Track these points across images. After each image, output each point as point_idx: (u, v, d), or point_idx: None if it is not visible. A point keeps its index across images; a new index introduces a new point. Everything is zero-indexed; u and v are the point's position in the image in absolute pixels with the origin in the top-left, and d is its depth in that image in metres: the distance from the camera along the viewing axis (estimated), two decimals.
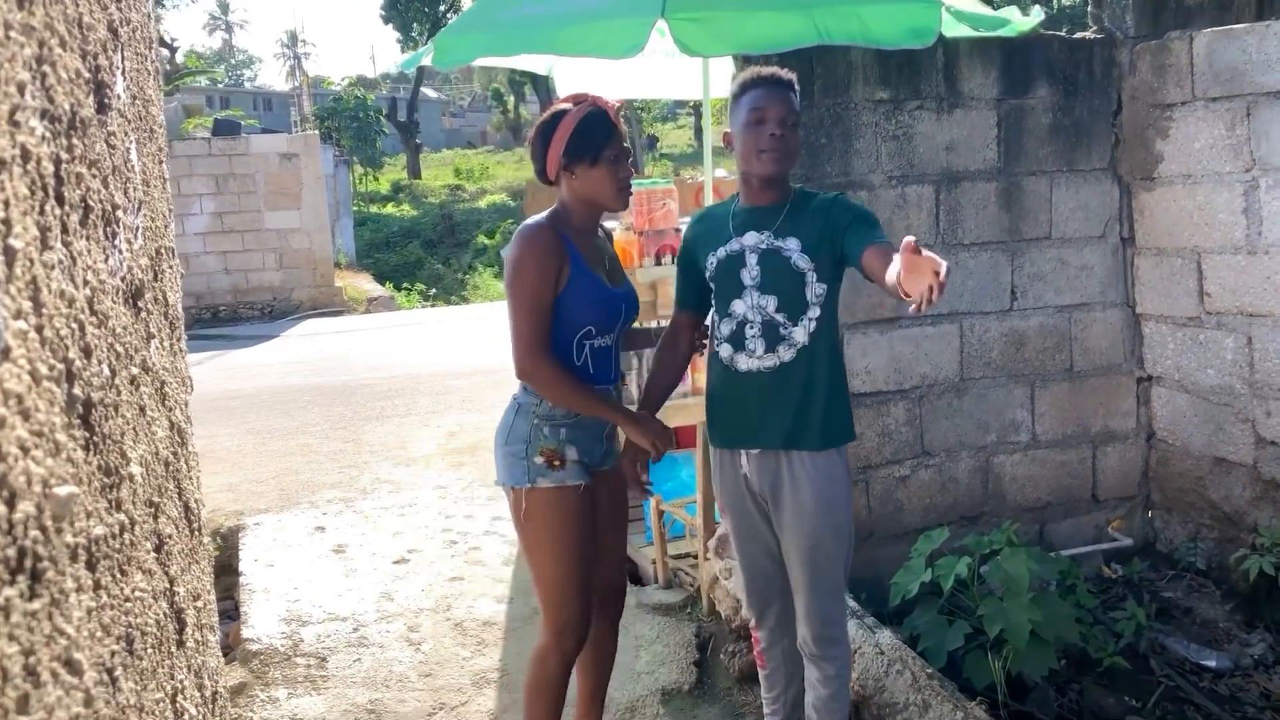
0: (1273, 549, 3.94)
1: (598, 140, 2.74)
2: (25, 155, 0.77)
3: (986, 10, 4.33)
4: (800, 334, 2.70)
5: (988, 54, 4.24)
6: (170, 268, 1.61)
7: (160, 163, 1.65)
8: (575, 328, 2.76)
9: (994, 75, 4.25)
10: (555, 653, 2.85)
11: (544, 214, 2.83)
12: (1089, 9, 4.69)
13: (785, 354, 2.71)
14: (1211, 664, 3.83)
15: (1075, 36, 4.47)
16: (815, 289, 2.70)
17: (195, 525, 1.59)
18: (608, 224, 4.72)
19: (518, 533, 2.86)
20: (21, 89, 0.76)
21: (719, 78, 4.94)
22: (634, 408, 3.00)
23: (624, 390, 3.06)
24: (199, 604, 1.50)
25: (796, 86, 2.75)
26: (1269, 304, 3.97)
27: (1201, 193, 4.18)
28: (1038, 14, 4.60)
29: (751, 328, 2.74)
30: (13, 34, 0.75)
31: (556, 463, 2.76)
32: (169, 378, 1.46)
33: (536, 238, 2.71)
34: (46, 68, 0.77)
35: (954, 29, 4.15)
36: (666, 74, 5.67)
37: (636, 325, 3.16)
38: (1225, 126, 4.05)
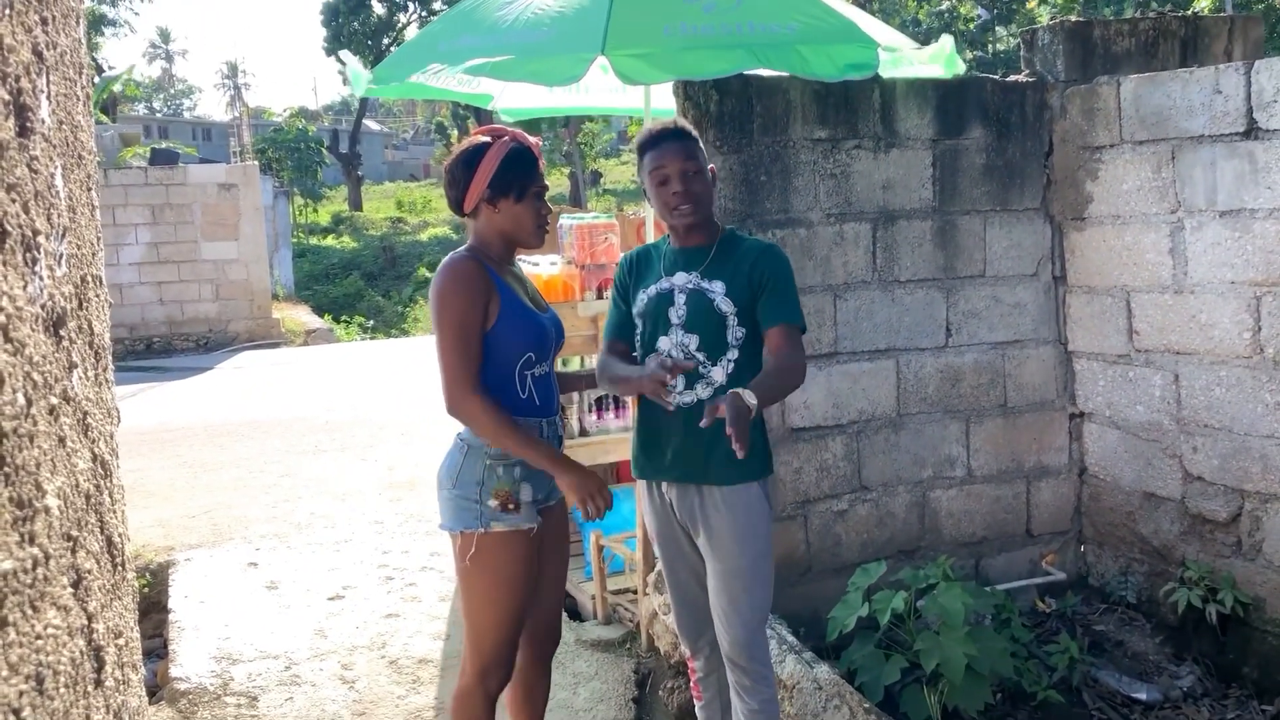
0: (1200, 582, 4.02)
1: (524, 175, 2.74)
2: None
3: (915, 45, 4.44)
4: (719, 374, 2.78)
5: (923, 95, 4.33)
6: (97, 296, 1.58)
7: (89, 189, 1.61)
8: (515, 358, 2.73)
9: (930, 116, 4.33)
10: (479, 693, 2.81)
11: (463, 248, 2.80)
12: (1021, 53, 4.80)
13: (703, 392, 2.78)
14: (1142, 696, 3.88)
15: (1008, 79, 4.57)
16: (736, 331, 2.78)
17: (119, 560, 1.54)
18: (546, 259, 4.73)
19: (459, 575, 2.79)
20: None
21: (660, 100, 4.98)
22: (573, 442, 2.98)
23: (565, 423, 3.04)
24: (120, 641, 1.45)
25: (694, 133, 2.84)
26: (1194, 342, 4.07)
27: (1130, 233, 4.28)
28: (949, 39, 4.67)
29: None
30: None
31: (511, 505, 2.70)
32: (93, 408, 1.42)
33: (461, 269, 2.68)
34: None
35: (891, 70, 4.24)
36: (609, 94, 5.70)
37: (573, 369, 3.15)
38: (1152, 169, 4.16)
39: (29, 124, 1.02)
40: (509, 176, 2.72)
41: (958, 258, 4.42)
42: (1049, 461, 4.64)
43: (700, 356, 2.77)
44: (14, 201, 0.92)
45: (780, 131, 4.12)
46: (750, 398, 2.49)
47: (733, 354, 2.77)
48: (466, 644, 2.83)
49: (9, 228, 0.89)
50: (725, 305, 2.77)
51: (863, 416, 4.34)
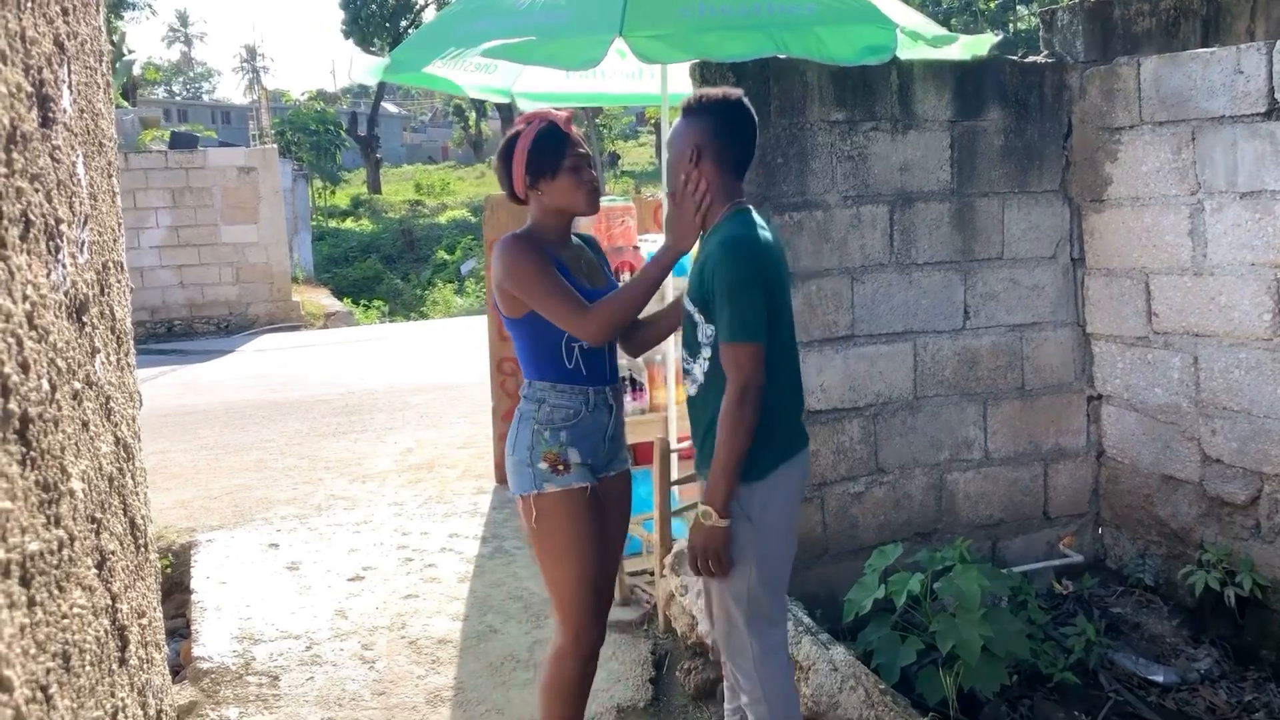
0: (1218, 565, 4.01)
1: (553, 153, 2.82)
2: None
3: (940, 30, 4.41)
4: (698, 371, 2.71)
5: (941, 77, 4.31)
6: (119, 282, 1.60)
7: (110, 177, 1.64)
8: (561, 333, 2.79)
9: (948, 97, 4.31)
10: (573, 654, 2.88)
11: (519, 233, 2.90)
12: (1040, 34, 4.77)
13: (691, 388, 2.77)
14: (1159, 679, 3.88)
15: (1027, 60, 4.55)
16: (704, 330, 2.63)
17: (141, 541, 1.57)
18: None
19: (532, 541, 2.90)
20: None
21: (678, 85, 4.98)
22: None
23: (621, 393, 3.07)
24: (144, 621, 1.48)
25: (689, 103, 2.72)
26: (1214, 324, 4.05)
27: (1149, 215, 4.26)
28: (991, 38, 4.69)
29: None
30: None
31: (560, 467, 2.80)
32: (115, 393, 1.45)
33: (512, 242, 2.79)
34: None
35: (909, 51, 4.22)
36: (627, 80, 5.70)
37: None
38: (1171, 150, 4.13)
39: (51, 114, 1.03)
40: (540, 158, 2.81)
41: (975, 240, 4.41)
42: (1067, 444, 4.63)
43: (685, 354, 2.75)
44: (37, 191, 0.93)
45: (797, 113, 4.11)
46: (709, 515, 2.55)
47: (705, 352, 2.64)
48: (554, 606, 2.91)
49: (32, 218, 0.91)
50: (688, 304, 2.68)
51: (880, 399, 4.34)
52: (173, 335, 15.63)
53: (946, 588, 3.75)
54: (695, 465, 2.87)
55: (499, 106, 35.07)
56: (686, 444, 4.32)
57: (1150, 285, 4.29)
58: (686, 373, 2.78)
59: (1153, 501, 4.40)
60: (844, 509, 4.33)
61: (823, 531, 4.29)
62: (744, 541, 2.64)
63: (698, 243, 2.77)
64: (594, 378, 2.88)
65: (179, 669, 4.27)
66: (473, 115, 48.59)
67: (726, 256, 2.54)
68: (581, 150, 2.87)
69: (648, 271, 2.81)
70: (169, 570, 5.38)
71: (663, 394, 4.90)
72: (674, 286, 4.26)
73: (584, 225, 4.84)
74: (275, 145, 19.18)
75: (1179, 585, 4.23)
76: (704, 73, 3.99)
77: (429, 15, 35.30)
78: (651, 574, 4.52)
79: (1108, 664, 3.98)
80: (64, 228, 1.08)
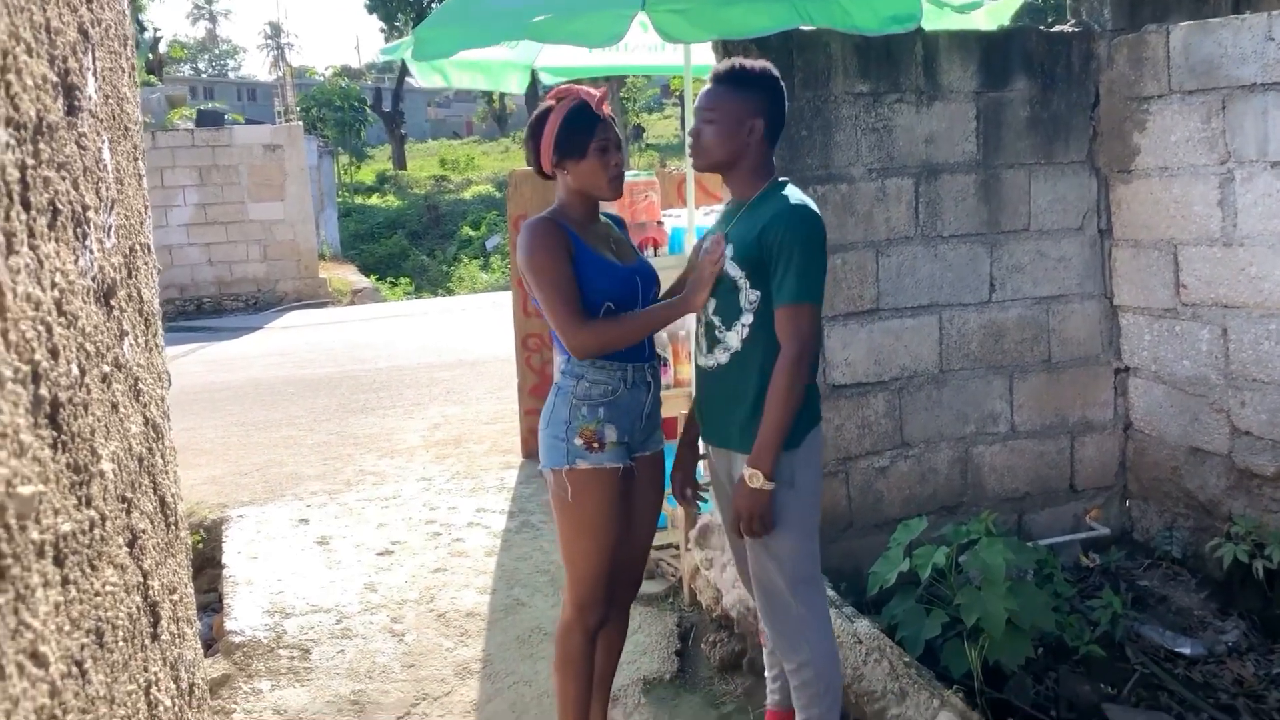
0: (1246, 537, 3.99)
1: (583, 134, 2.81)
2: None
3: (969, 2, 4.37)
4: (734, 339, 2.72)
5: (966, 47, 4.27)
6: (145, 264, 1.63)
7: (135, 160, 1.66)
8: (593, 306, 2.79)
9: (973, 68, 4.27)
10: (578, 627, 2.92)
11: (544, 211, 2.91)
12: (1068, 2, 4.71)
13: (721, 356, 2.76)
14: (1186, 651, 3.87)
15: (1053, 29, 4.49)
16: (749, 295, 2.67)
17: (172, 519, 1.60)
18: None
19: (555, 513, 2.92)
20: None
21: (701, 57, 4.96)
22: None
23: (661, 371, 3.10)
24: (175, 597, 1.51)
25: (731, 70, 2.72)
26: (1243, 296, 4.01)
27: (1178, 185, 4.21)
28: (1016, 1, 4.63)
29: (700, 326, 2.86)
30: None
31: (596, 444, 2.82)
32: (144, 373, 1.47)
33: (535, 227, 2.79)
34: (11, 76, 0.79)
35: (934, 21, 4.19)
36: (649, 52, 5.69)
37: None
38: (1201, 120, 4.08)
39: (77, 102, 1.05)
40: (569, 138, 2.80)
41: (1001, 212, 4.38)
42: (1093, 417, 4.61)
43: (717, 320, 2.74)
44: (64, 180, 0.95)
45: (821, 86, 4.09)
46: (756, 479, 2.59)
47: (746, 318, 2.69)
48: (567, 580, 2.95)
49: (59, 206, 0.93)
50: (733, 269, 2.69)
51: (905, 373, 4.33)
52: (202, 312, 15.78)
53: (972, 561, 3.75)
54: (712, 436, 2.87)
55: None
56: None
57: (1179, 256, 4.25)
58: (715, 341, 2.77)
59: (1180, 474, 4.37)
60: (869, 483, 4.33)
61: (848, 505, 4.30)
62: (785, 505, 2.70)
63: (739, 212, 2.77)
64: (633, 354, 2.88)
65: (212, 643, 4.35)
66: (496, 91, 48.55)
67: (797, 220, 2.62)
68: (611, 134, 2.85)
69: (654, 314, 2.82)
70: (201, 546, 5.46)
71: (687, 369, 4.91)
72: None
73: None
74: (300, 122, 19.25)
75: (1207, 558, 4.21)
76: (726, 46, 3.97)
77: None
78: (677, 548, 4.54)
79: (1134, 636, 3.97)
80: (91, 214, 1.10)
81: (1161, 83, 4.21)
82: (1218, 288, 4.11)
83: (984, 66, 4.29)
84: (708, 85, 2.76)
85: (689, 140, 2.81)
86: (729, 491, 2.92)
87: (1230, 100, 3.96)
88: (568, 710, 2.96)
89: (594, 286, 2.80)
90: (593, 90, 2.87)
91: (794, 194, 2.70)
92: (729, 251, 2.71)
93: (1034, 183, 4.41)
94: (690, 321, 4.57)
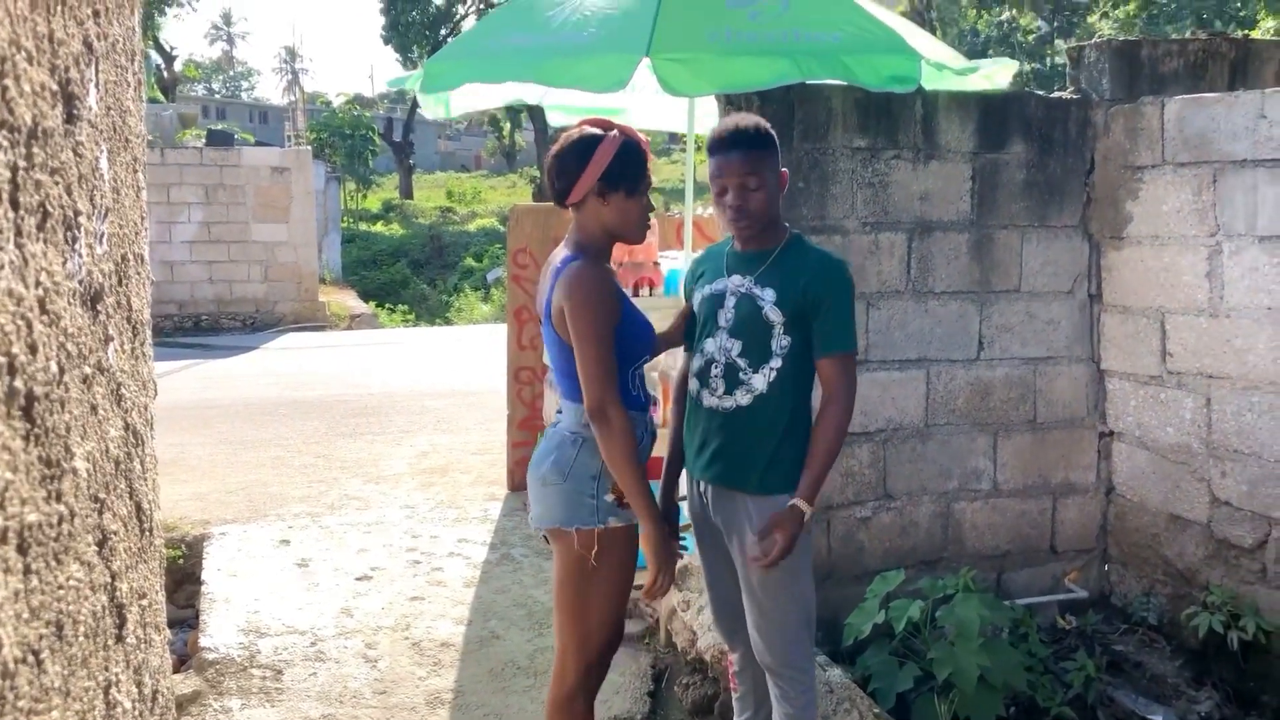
0: (1223, 608, 4.00)
1: (637, 171, 2.71)
2: None
3: (965, 62, 4.45)
4: (759, 381, 2.76)
5: (966, 108, 4.34)
6: (138, 274, 1.66)
7: (135, 172, 1.69)
8: (633, 360, 2.75)
9: (971, 129, 4.34)
10: (583, 693, 2.80)
11: (574, 251, 2.74)
12: (1068, 70, 4.79)
13: (743, 398, 2.78)
14: (1158, 718, 3.87)
15: (1052, 96, 4.57)
16: (781, 340, 2.75)
17: (146, 525, 1.62)
18: None
19: (575, 575, 2.73)
20: None
21: (705, 116, 5.04)
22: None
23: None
24: (144, 602, 1.53)
25: (764, 134, 2.77)
26: (1228, 367, 4.05)
27: (1168, 254, 4.27)
28: (1013, 64, 4.71)
29: (716, 367, 2.83)
30: None
31: (625, 500, 2.68)
32: (128, 380, 1.50)
33: (597, 279, 2.65)
34: (8, 81, 0.82)
35: (933, 81, 4.26)
36: (655, 107, 5.76)
37: None
38: (1192, 191, 4.14)
39: (76, 111, 1.09)
40: (624, 170, 2.68)
41: (993, 271, 4.42)
42: (1076, 479, 4.63)
43: (742, 363, 2.77)
44: (57, 184, 0.98)
45: (820, 139, 4.15)
46: (803, 506, 2.67)
47: (775, 362, 2.75)
48: (570, 644, 2.78)
49: (50, 208, 0.96)
50: (773, 314, 2.73)
51: (890, 425, 4.36)
52: (199, 329, 15.81)
53: (947, 616, 3.76)
54: (721, 477, 2.83)
55: (533, 118, 35.21)
56: None
57: (1166, 324, 4.29)
58: (738, 383, 2.77)
59: (1160, 540, 4.39)
60: (850, 533, 4.34)
61: (828, 555, 4.31)
62: (803, 546, 2.76)
63: (759, 260, 2.81)
64: (647, 402, 2.83)
65: (186, 658, 4.34)
66: (507, 126, 48.83)
67: (839, 272, 2.77)
68: (652, 180, 2.79)
69: (644, 491, 2.66)
70: (181, 561, 5.45)
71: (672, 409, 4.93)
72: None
73: None
74: (310, 147, 19.39)
75: (1183, 626, 4.21)
76: (729, 96, 4.04)
77: (469, 24, 35.57)
78: None
79: (1107, 701, 3.97)
80: (83, 219, 1.13)
81: (1156, 153, 4.28)
82: (1203, 358, 4.15)
83: (982, 128, 4.36)
84: (736, 152, 2.73)
85: (730, 212, 2.76)
86: (721, 532, 2.91)
87: (1221, 174, 4.02)
88: None
89: (639, 339, 2.76)
90: (637, 131, 2.77)
91: (818, 247, 2.88)
92: (769, 296, 2.74)
93: (1026, 244, 4.47)
94: (677, 358, 4.60)
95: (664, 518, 2.80)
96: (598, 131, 2.72)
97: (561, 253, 2.78)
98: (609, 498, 2.68)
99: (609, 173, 2.67)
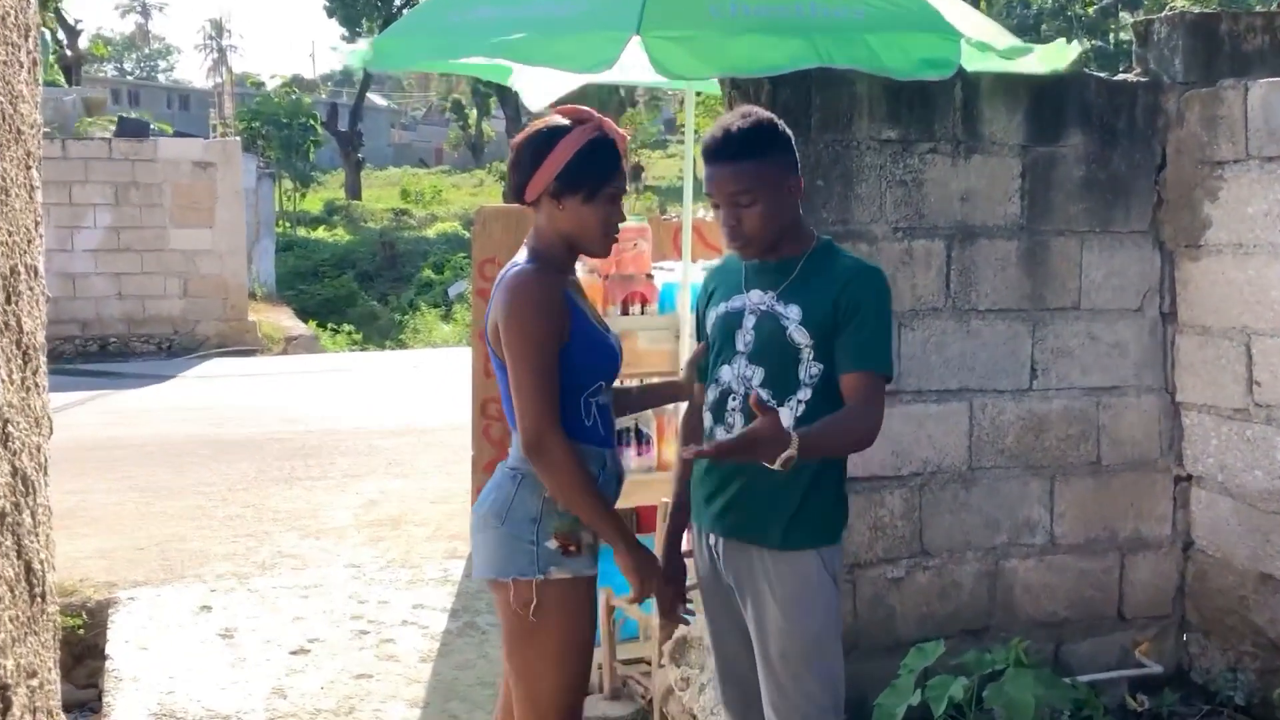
0: None
1: (600, 173, 2.73)
2: None
3: (1014, 41, 4.46)
4: (785, 416, 2.66)
5: (1014, 94, 4.35)
6: (30, 289, 1.65)
7: (28, 169, 1.69)
8: (584, 386, 2.75)
9: (1020, 118, 4.36)
10: None
11: (527, 258, 2.77)
12: (1134, 48, 4.82)
13: None
14: None
15: (1116, 78, 4.59)
16: (810, 368, 2.71)
17: (38, 590, 1.61)
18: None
19: (512, 633, 2.76)
20: None
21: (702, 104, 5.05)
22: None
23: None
24: (34, 683, 1.51)
25: (753, 137, 2.73)
26: None
27: (1254, 265, 4.28)
28: (1076, 46, 4.73)
29: (733, 399, 2.79)
30: None
31: (572, 548, 2.69)
32: (16, 416, 1.49)
33: (540, 288, 2.69)
34: None
35: (976, 63, 4.27)
36: (648, 74, 5.75)
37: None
38: None
39: None
40: (582, 171, 2.70)
41: (1047, 286, 4.43)
42: (1148, 532, 4.62)
43: (765, 394, 2.68)
44: None
45: (842, 130, 4.17)
46: (794, 448, 2.41)
47: (804, 394, 2.71)
48: (522, 715, 2.79)
49: None
50: (799, 335, 2.70)
51: (927, 468, 4.35)
52: (106, 355, 15.77)
53: (995, 696, 3.75)
54: (737, 529, 2.81)
55: (504, 105, 35.38)
56: None
57: (1253, 348, 4.30)
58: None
59: (1248, 604, 4.39)
60: (880, 596, 4.33)
61: (853, 621, 4.29)
62: (832, 608, 2.80)
63: (784, 274, 2.79)
64: (609, 438, 2.82)
65: None
66: (473, 113, 49.02)
67: (874, 280, 2.75)
68: (624, 185, 2.81)
69: (608, 519, 2.70)
70: (81, 631, 5.42)
71: (673, 449, 4.92)
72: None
73: None
74: (239, 138, 19.44)
75: (1277, 706, 4.21)
76: (734, 79, 4.05)
77: None
78: (648, 663, 4.52)
79: None
80: None
81: (1238, 146, 4.30)
82: None
83: (1033, 116, 4.37)
84: (722, 164, 2.72)
85: (725, 231, 2.76)
86: (733, 594, 2.88)
87: None
88: None
89: (589, 364, 2.76)
90: (616, 126, 2.80)
91: (849, 252, 2.86)
92: (794, 314, 2.72)
93: (1086, 253, 4.48)
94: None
95: (664, 573, 2.85)
96: (565, 123, 2.75)
97: (515, 259, 2.80)
98: (551, 544, 2.68)
99: (567, 171, 2.69)
